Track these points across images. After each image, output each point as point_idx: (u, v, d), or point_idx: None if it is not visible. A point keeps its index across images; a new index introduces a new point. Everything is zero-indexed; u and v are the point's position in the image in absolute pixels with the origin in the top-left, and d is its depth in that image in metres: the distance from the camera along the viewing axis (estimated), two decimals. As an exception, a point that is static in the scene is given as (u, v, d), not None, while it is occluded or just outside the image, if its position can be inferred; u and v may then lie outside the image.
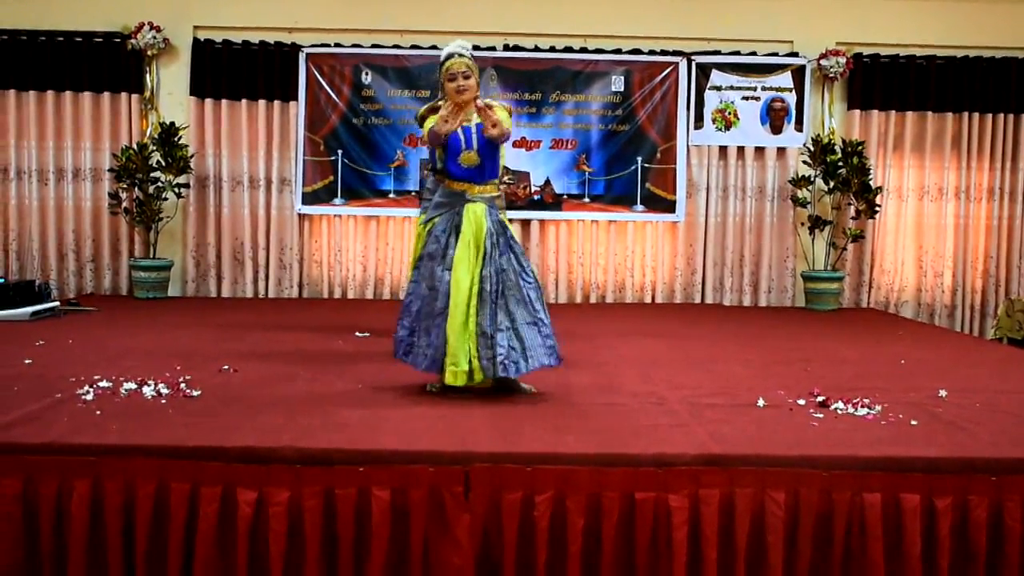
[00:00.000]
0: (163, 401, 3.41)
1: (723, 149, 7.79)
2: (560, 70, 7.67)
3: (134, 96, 7.58)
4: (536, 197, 7.69)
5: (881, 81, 7.72)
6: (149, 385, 3.57)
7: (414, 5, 7.65)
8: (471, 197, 3.77)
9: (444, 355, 3.62)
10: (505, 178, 3.92)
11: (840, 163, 7.41)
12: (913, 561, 2.72)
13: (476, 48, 7.46)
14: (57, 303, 6.22)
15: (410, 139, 7.64)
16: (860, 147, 7.44)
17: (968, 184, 7.82)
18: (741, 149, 7.79)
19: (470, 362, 3.59)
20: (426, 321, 3.70)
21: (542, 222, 7.74)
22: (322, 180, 7.67)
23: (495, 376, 3.63)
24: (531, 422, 3.23)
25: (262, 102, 7.61)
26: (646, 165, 7.73)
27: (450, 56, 3.82)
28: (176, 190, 7.33)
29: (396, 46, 7.64)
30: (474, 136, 3.79)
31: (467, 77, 3.78)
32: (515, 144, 7.55)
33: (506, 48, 7.59)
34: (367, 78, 7.64)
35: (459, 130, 3.78)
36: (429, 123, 3.85)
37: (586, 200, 7.75)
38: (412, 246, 4.77)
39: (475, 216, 3.73)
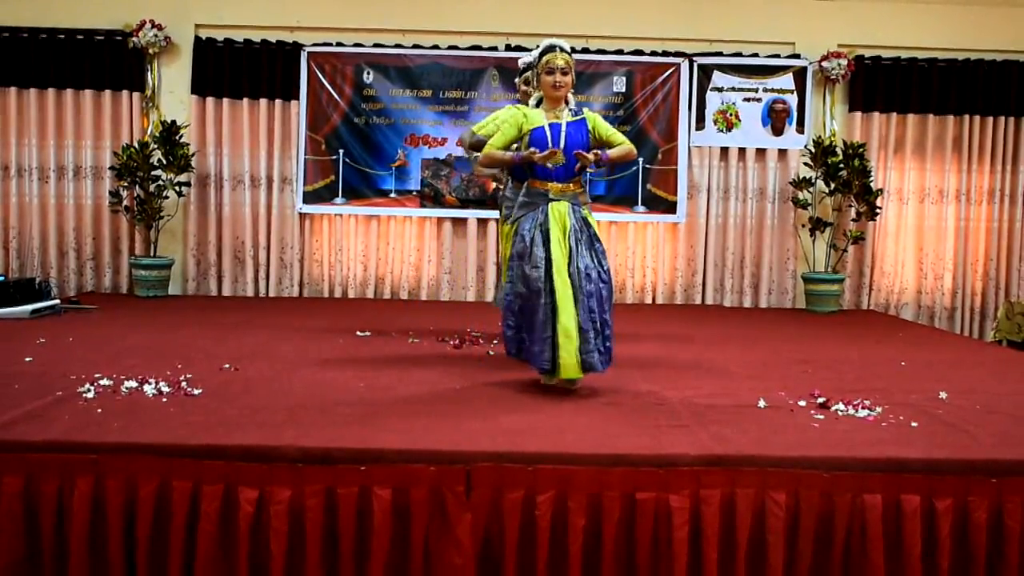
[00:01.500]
0: (164, 399, 3.41)
1: (724, 150, 7.80)
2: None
3: (135, 94, 7.58)
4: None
5: (882, 83, 7.73)
6: (150, 383, 3.57)
7: (416, 5, 7.66)
8: (554, 196, 3.78)
9: (549, 352, 3.65)
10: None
11: (841, 165, 7.41)
12: (913, 562, 2.72)
13: (477, 48, 7.60)
14: (57, 301, 6.22)
15: (411, 139, 7.64)
16: (861, 149, 7.44)
17: (968, 187, 7.82)
18: (742, 150, 7.79)
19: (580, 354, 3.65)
20: (531, 318, 3.71)
21: (543, 222, 7.74)
22: (323, 179, 7.68)
23: (594, 371, 3.68)
24: (532, 421, 3.23)
25: (263, 101, 7.61)
26: (647, 166, 7.73)
27: (551, 49, 3.80)
28: (177, 188, 7.33)
29: (398, 45, 7.64)
30: (562, 135, 3.79)
31: (565, 74, 3.79)
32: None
33: (508, 48, 7.59)
34: (369, 77, 7.64)
35: (546, 127, 3.79)
36: (499, 141, 3.84)
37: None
38: (501, 248, 4.90)
39: (560, 214, 3.76)
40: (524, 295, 3.74)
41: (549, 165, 3.77)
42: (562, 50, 3.79)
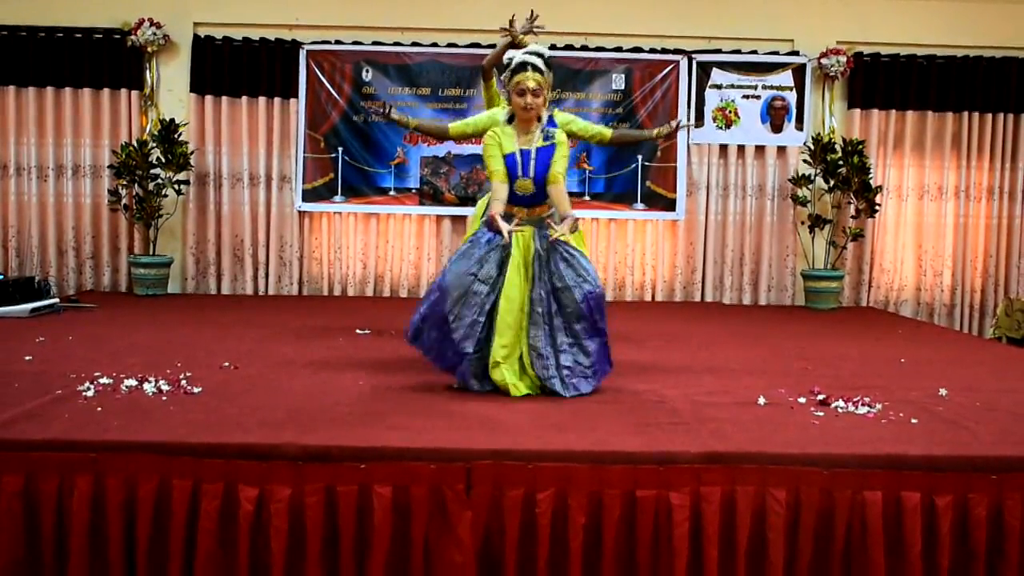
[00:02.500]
0: (164, 398, 3.41)
1: (723, 147, 7.79)
2: (561, 68, 7.61)
3: (134, 93, 7.58)
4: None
5: (882, 80, 7.73)
6: (150, 382, 3.57)
7: (415, 3, 7.65)
8: (519, 221, 3.72)
9: (470, 363, 3.66)
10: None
11: (840, 162, 7.41)
12: (913, 559, 2.72)
13: (476, 46, 7.58)
14: (57, 300, 6.21)
15: (410, 137, 7.63)
16: (860, 146, 7.44)
17: (968, 183, 7.83)
18: (741, 148, 7.79)
19: (525, 376, 3.66)
20: (435, 316, 3.67)
21: (542, 220, 7.73)
22: (322, 177, 7.67)
23: (568, 395, 3.63)
24: (532, 419, 3.23)
25: (262, 99, 7.61)
26: (646, 163, 7.72)
27: (523, 68, 3.65)
28: (176, 187, 7.33)
29: (397, 43, 7.64)
30: (532, 162, 3.72)
31: (536, 95, 3.66)
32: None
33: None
34: (368, 75, 7.63)
35: (517, 154, 3.73)
36: (498, 176, 3.72)
37: (586, 198, 7.74)
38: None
39: (523, 240, 3.71)
40: (450, 296, 3.63)
41: (518, 192, 3.72)
42: (534, 68, 3.64)
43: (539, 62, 3.68)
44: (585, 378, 3.69)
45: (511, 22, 4.40)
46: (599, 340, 3.72)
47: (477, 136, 4.01)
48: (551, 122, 4.21)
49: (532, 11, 4.28)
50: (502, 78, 3.83)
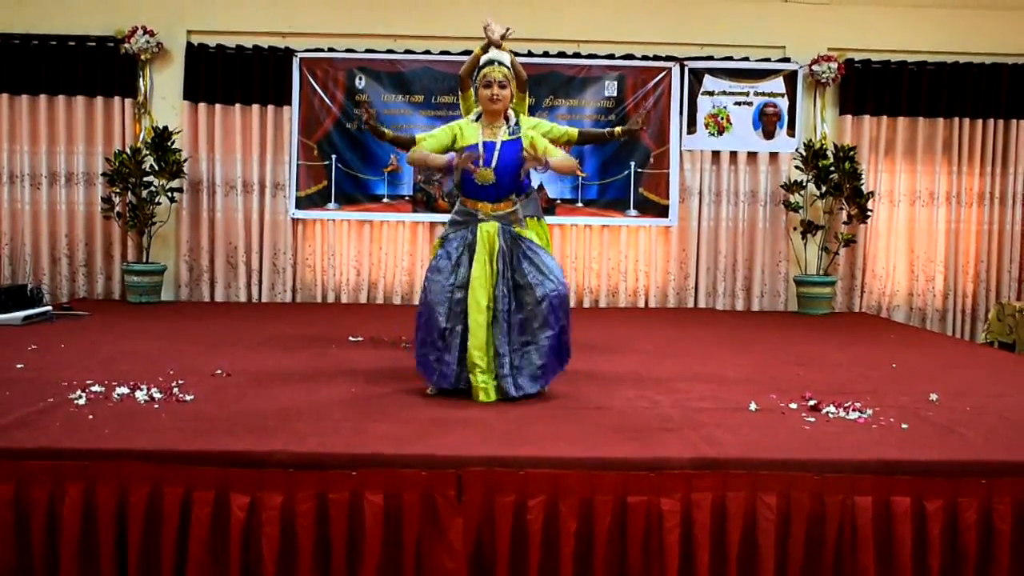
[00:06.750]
0: (156, 406, 3.41)
1: (716, 154, 7.81)
2: (554, 75, 7.69)
3: (127, 100, 7.58)
4: (529, 202, 7.68)
5: (873, 86, 7.76)
6: (142, 390, 3.57)
7: (408, 11, 7.66)
8: (483, 216, 3.76)
9: (455, 371, 3.69)
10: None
11: (832, 168, 7.44)
12: (904, 563, 2.73)
13: (469, 54, 7.56)
14: (50, 307, 6.21)
15: (404, 144, 7.64)
16: (852, 152, 7.46)
17: (959, 189, 7.86)
18: (734, 154, 7.81)
19: (495, 379, 3.67)
20: (431, 335, 3.72)
21: (535, 227, 7.74)
22: (316, 185, 7.68)
23: (512, 397, 3.65)
24: (523, 426, 3.23)
25: (256, 107, 7.61)
26: (639, 170, 7.74)
27: (489, 62, 3.80)
28: (169, 194, 7.33)
29: (390, 51, 7.65)
30: (495, 154, 3.75)
31: (503, 87, 3.76)
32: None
33: (499, 53, 7.59)
34: (361, 83, 7.64)
35: (480, 145, 3.77)
36: (430, 144, 3.81)
37: (579, 205, 7.76)
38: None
39: (488, 236, 3.74)
40: (436, 311, 3.71)
41: (478, 182, 3.76)
42: (500, 63, 3.79)
43: (505, 59, 3.83)
44: (534, 378, 3.71)
45: (486, 27, 4.53)
46: (556, 339, 3.72)
47: None
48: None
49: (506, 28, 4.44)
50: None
